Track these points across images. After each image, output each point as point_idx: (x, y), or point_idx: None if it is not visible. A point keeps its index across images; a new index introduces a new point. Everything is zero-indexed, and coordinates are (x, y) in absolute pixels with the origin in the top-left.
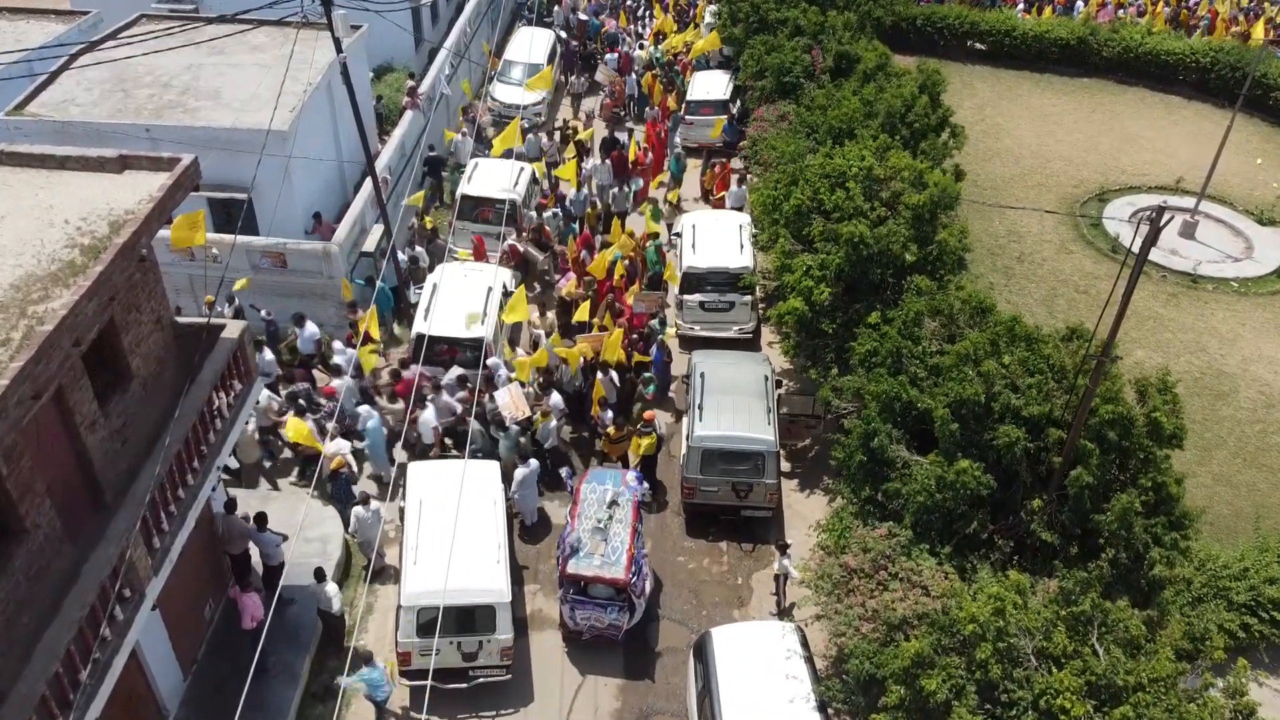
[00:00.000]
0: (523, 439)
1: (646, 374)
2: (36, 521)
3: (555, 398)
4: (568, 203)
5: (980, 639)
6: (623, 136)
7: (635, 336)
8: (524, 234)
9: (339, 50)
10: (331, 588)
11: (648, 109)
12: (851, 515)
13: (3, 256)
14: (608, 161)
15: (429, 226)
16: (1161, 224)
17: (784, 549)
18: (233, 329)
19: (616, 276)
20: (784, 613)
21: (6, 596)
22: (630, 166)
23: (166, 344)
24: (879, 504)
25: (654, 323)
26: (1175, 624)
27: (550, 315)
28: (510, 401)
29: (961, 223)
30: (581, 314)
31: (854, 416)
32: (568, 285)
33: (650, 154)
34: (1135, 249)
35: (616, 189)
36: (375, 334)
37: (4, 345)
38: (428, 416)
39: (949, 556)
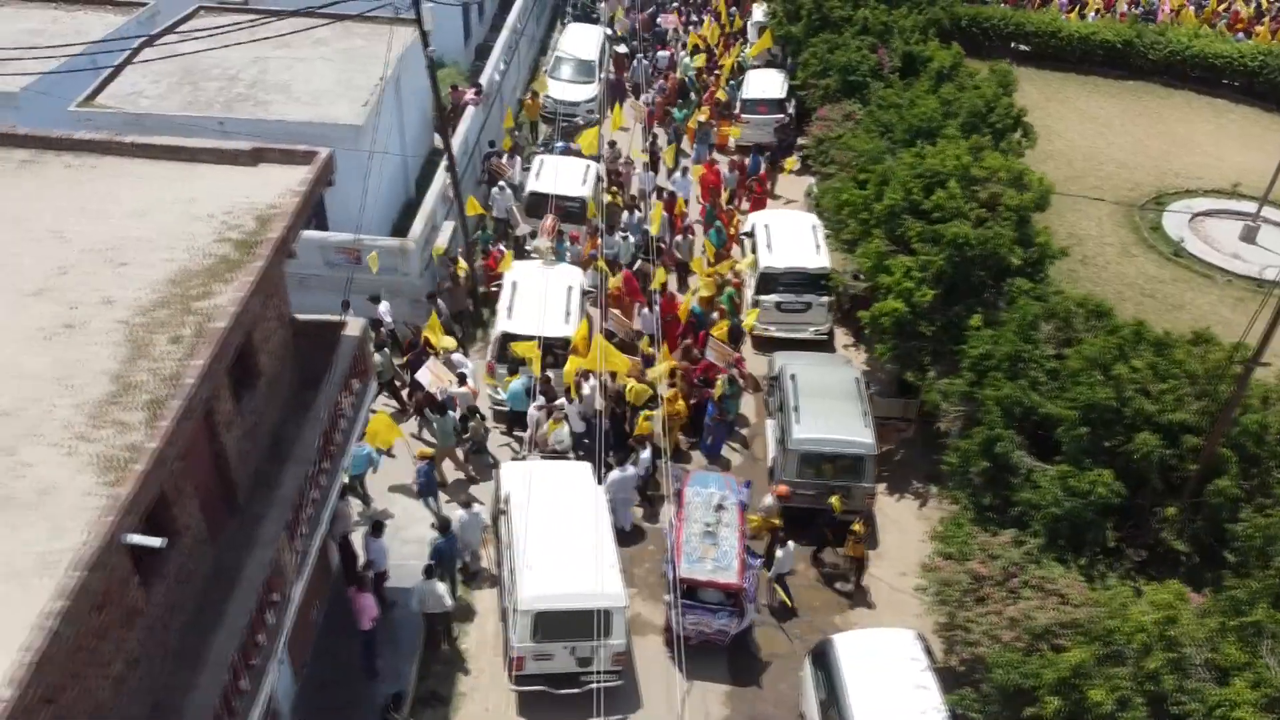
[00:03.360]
0: (471, 423)
1: (645, 409)
2: (187, 523)
3: (532, 410)
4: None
5: (1149, 649)
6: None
7: (697, 383)
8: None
9: (425, 44)
10: (441, 586)
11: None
12: (970, 522)
13: (153, 250)
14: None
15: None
16: None
17: (784, 541)
18: (354, 327)
19: (685, 320)
20: (779, 611)
21: (162, 601)
22: (679, 219)
23: (286, 341)
24: (997, 510)
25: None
26: None
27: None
28: (431, 377)
29: (1043, 225)
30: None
31: (957, 420)
32: (628, 324)
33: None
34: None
35: (680, 239)
36: (435, 342)
37: (176, 342)
38: None
39: (1082, 567)
